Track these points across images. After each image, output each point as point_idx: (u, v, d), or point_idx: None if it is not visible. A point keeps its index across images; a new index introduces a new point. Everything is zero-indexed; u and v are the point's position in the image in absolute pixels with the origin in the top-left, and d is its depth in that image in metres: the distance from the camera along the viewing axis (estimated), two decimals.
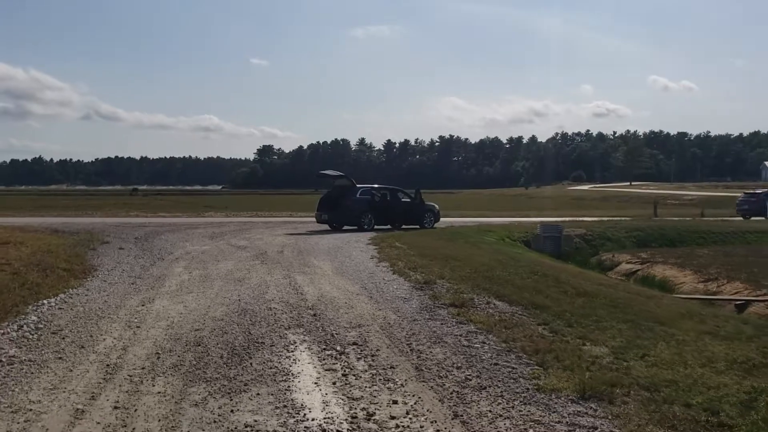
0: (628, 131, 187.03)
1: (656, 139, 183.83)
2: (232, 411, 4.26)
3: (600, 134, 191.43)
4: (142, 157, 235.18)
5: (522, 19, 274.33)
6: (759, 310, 12.74)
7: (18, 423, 4.02)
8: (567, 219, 28.59)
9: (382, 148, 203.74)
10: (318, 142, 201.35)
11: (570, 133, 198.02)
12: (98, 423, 4.04)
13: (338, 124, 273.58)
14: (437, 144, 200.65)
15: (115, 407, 4.31)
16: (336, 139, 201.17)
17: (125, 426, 4.01)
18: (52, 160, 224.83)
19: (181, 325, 6.70)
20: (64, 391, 4.61)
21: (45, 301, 7.69)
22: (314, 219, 22.30)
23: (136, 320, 6.93)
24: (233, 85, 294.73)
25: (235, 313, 7.36)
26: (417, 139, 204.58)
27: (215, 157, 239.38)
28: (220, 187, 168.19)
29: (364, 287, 9.21)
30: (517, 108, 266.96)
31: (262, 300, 8.15)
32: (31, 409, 4.25)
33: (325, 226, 21.28)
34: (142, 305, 7.77)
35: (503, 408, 4.32)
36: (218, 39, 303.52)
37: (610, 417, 4.06)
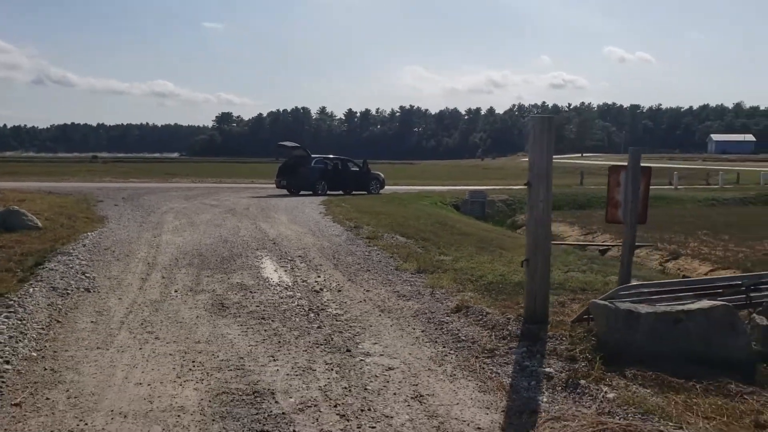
0: (583, 103, 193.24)
1: (610, 111, 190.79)
2: (228, 278, 7.90)
3: (555, 106, 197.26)
4: (98, 124, 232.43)
5: None
6: (614, 253, 16.91)
7: (112, 281, 7.58)
8: (499, 187, 32.74)
9: (344, 117, 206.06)
10: (278, 110, 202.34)
11: (527, 105, 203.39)
12: (155, 284, 7.62)
13: (298, 91, 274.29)
14: (398, 114, 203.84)
15: (162, 277, 7.90)
16: (296, 107, 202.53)
17: (170, 285, 7.59)
18: (5, 125, 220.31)
19: (185, 247, 10.25)
20: (130, 272, 8.17)
21: (87, 234, 11.13)
22: (274, 185, 25.81)
23: (154, 244, 10.47)
24: (187, 49, 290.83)
25: (219, 242, 10.93)
26: (378, 109, 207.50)
27: (173, 124, 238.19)
28: (178, 154, 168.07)
29: (310, 230, 12.87)
30: (477, 78, 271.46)
31: (237, 236, 11.74)
32: (117, 276, 7.81)
33: (284, 191, 24.81)
34: (154, 237, 11.28)
35: (374, 277, 8.09)
36: (169, 1, 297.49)
37: (426, 279, 7.83)
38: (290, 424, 3.67)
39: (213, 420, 3.71)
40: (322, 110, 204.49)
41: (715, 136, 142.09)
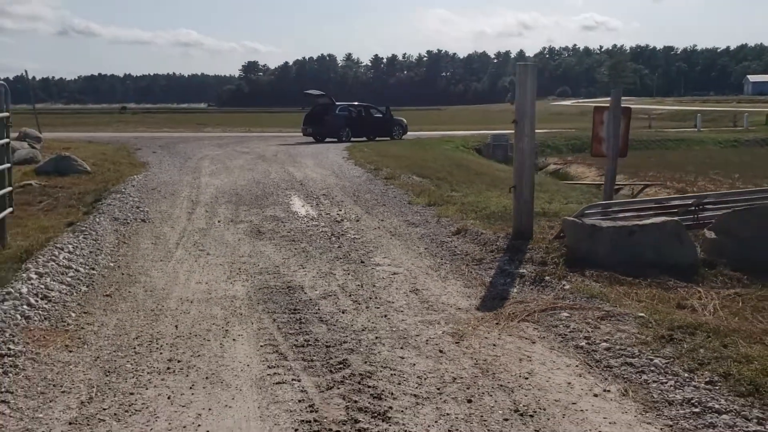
0: (615, 46, 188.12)
1: (642, 53, 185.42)
2: (262, 212, 9.06)
3: (586, 49, 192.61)
4: (125, 75, 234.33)
5: None
6: (626, 192, 17.71)
7: (163, 215, 8.79)
8: None
9: (370, 64, 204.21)
10: (304, 58, 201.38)
11: (558, 48, 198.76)
12: (200, 216, 8.81)
13: (324, 38, 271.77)
14: (425, 59, 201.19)
15: (206, 211, 9.09)
16: (322, 54, 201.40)
17: (213, 217, 8.76)
18: (34, 78, 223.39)
19: (223, 188, 11.42)
20: (177, 208, 9.37)
21: (133, 177, 12.37)
22: (301, 133, 26.81)
23: (195, 186, 11.67)
24: None
25: (252, 183, 12.08)
26: (405, 54, 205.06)
27: (199, 74, 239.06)
28: (206, 104, 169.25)
29: (334, 172, 13.95)
30: (505, 20, 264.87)
31: (268, 178, 12.87)
32: (166, 211, 9.03)
33: (310, 139, 25.82)
34: (194, 179, 12.48)
35: (388, 210, 9.16)
36: None
37: (435, 210, 8.88)
38: (315, 305, 4.82)
39: (258, 303, 4.89)
40: (348, 57, 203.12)
41: (752, 77, 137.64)
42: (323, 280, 5.53)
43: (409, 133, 28.45)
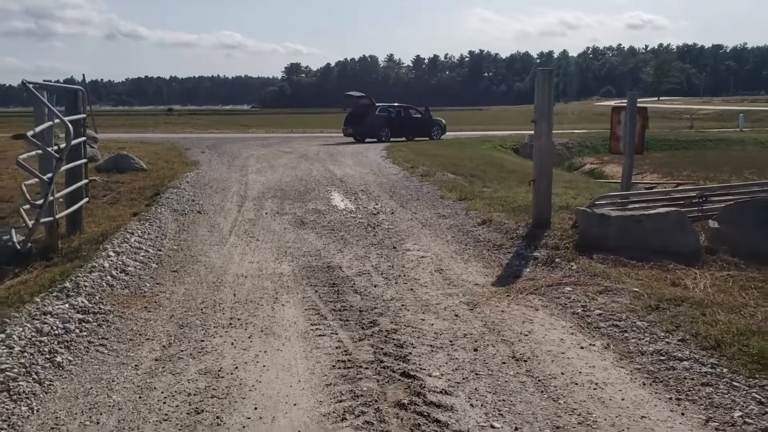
0: (661, 45, 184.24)
1: (690, 52, 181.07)
2: (305, 205, 9.87)
3: (631, 48, 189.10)
4: (171, 77, 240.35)
5: None
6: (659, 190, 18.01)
7: (216, 207, 9.68)
8: (560, 131, 33.49)
9: (411, 65, 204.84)
10: (346, 59, 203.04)
11: (602, 47, 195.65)
12: (249, 209, 9.67)
13: (365, 39, 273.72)
14: (467, 59, 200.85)
15: (254, 205, 9.96)
16: (364, 55, 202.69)
17: (260, 209, 9.62)
18: (87, 80, 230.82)
19: (269, 184, 12.31)
20: (228, 201, 10.27)
21: (186, 174, 13.38)
22: (342, 133, 27.71)
23: (243, 182, 12.59)
24: None
25: (296, 180, 12.94)
26: (447, 55, 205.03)
27: (243, 76, 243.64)
28: (250, 106, 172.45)
29: (372, 170, 14.71)
30: (547, 20, 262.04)
31: (310, 176, 13.72)
32: (218, 204, 9.93)
33: (351, 139, 26.67)
34: (242, 177, 13.42)
35: (422, 204, 9.87)
36: None
37: (465, 204, 9.54)
38: (351, 280, 5.58)
39: (302, 278, 5.67)
40: (390, 58, 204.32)
41: None
42: (358, 262, 6.28)
43: (448, 133, 29.05)
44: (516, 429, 3.02)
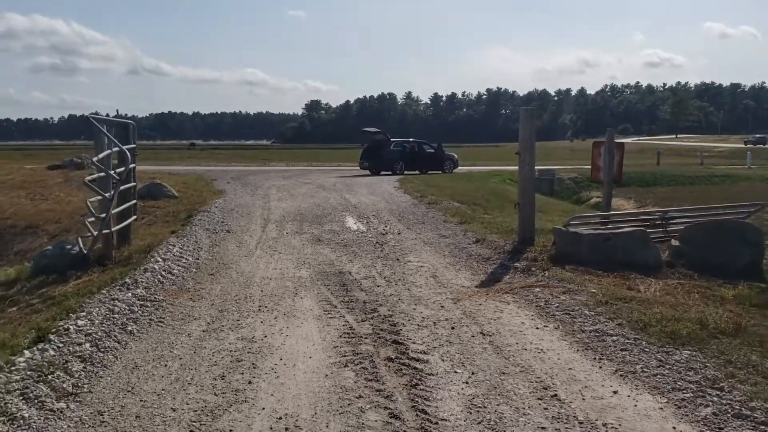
0: (679, 83, 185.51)
1: (708, 90, 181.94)
2: (322, 227, 11.03)
3: (649, 86, 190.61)
4: (194, 112, 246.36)
5: None
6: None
7: (242, 228, 10.87)
8: (574, 167, 34.59)
9: (429, 102, 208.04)
10: (365, 96, 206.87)
11: (620, 85, 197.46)
12: (272, 229, 10.84)
13: (384, 77, 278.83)
14: (484, 97, 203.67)
15: (276, 226, 11.13)
16: (382, 93, 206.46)
17: (282, 229, 10.78)
18: (108, 115, 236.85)
19: (289, 210, 13.51)
20: (252, 223, 11.46)
21: (214, 201, 14.65)
22: (358, 166, 29.06)
23: (266, 207, 13.81)
24: (273, 38, 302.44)
25: (313, 206, 14.14)
26: (464, 92, 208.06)
27: (264, 112, 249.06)
28: (270, 141, 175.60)
29: (384, 199, 15.89)
30: (567, 58, 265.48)
31: (327, 203, 14.92)
32: (244, 225, 11.12)
33: (367, 172, 27.99)
34: (264, 203, 14.66)
35: (426, 227, 10.98)
36: None
37: (465, 226, 10.63)
38: (358, 282, 6.68)
39: (317, 280, 6.78)
40: (408, 95, 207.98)
41: None
42: (365, 269, 7.39)
43: (461, 167, 30.29)
44: (472, 373, 4.08)
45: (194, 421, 3.42)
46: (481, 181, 23.39)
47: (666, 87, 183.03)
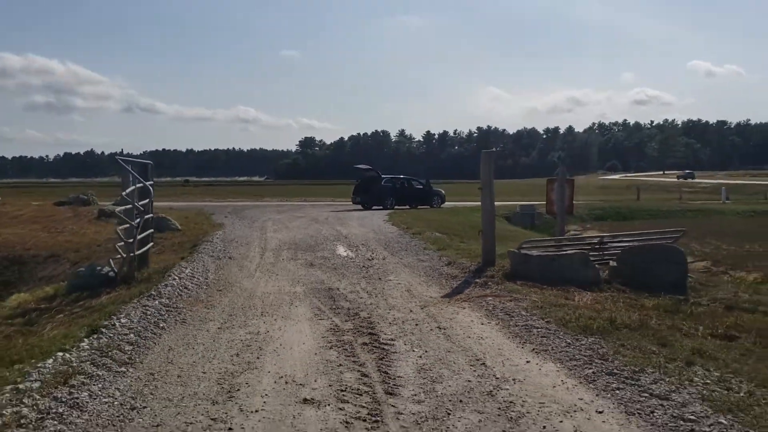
0: (666, 120, 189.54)
1: (695, 127, 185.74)
2: (314, 254, 12.38)
3: (637, 123, 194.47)
4: (187, 149, 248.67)
5: (560, 6, 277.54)
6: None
7: (243, 255, 12.20)
8: None
9: (422, 139, 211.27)
10: (359, 133, 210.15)
11: (608, 123, 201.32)
12: (269, 256, 12.18)
13: (378, 115, 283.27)
14: (475, 135, 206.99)
15: (273, 254, 12.48)
16: (376, 130, 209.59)
17: (278, 256, 12.12)
18: (103, 153, 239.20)
19: (284, 240, 14.87)
20: (251, 251, 12.80)
21: (215, 233, 16.00)
22: (350, 201, 30.56)
23: (263, 238, 15.17)
24: (266, 77, 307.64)
25: (307, 237, 15.51)
26: (456, 130, 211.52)
27: (257, 148, 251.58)
28: (264, 177, 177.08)
29: (373, 230, 17.29)
30: (557, 97, 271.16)
31: (319, 234, 16.29)
32: (244, 253, 12.46)
33: (359, 207, 29.47)
34: (261, 234, 16.02)
35: (409, 253, 12.35)
36: (247, 31, 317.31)
37: (442, 252, 12.00)
38: (344, 295, 8.03)
39: (310, 294, 8.14)
40: (401, 133, 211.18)
41: None
42: (351, 286, 8.74)
43: (448, 202, 31.84)
44: (425, 351, 5.43)
45: (220, 379, 4.75)
46: (464, 215, 24.87)
47: (653, 124, 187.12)
